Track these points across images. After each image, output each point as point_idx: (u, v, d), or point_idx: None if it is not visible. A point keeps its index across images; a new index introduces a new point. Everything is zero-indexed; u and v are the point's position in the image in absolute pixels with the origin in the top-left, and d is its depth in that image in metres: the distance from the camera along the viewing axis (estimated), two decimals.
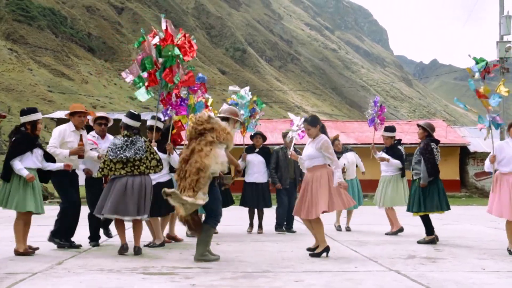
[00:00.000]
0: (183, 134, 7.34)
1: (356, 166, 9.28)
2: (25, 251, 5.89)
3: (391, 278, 4.61)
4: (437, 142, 7.38)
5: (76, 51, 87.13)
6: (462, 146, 25.71)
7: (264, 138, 8.92)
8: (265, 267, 5.13)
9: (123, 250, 5.93)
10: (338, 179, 5.84)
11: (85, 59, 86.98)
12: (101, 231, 7.11)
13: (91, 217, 6.81)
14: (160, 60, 6.57)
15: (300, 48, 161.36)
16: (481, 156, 25.23)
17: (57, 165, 6.18)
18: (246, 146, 8.87)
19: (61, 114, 26.22)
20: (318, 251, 5.90)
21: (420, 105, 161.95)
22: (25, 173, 5.79)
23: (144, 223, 6.50)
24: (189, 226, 5.60)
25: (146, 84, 6.63)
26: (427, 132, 7.39)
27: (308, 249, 6.03)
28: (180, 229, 7.39)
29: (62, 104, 58.32)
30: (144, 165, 5.94)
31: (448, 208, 7.25)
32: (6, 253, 6.00)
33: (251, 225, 8.79)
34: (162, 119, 7.30)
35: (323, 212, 5.83)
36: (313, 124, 6.06)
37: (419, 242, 7.18)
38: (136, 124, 6.15)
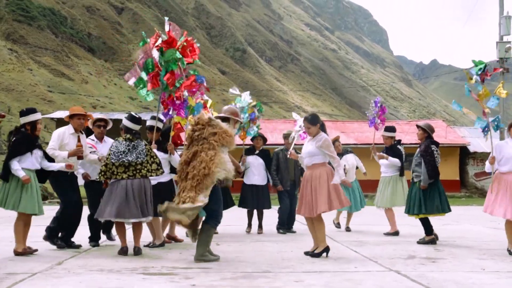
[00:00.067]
0: (183, 135, 7.34)
1: (357, 168, 9.28)
2: (24, 251, 5.89)
3: (391, 279, 4.61)
4: (437, 144, 7.38)
5: (76, 51, 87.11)
6: (462, 146, 25.72)
7: (264, 140, 8.92)
8: (265, 267, 5.13)
9: (122, 252, 5.93)
10: (342, 177, 5.89)
11: (85, 59, 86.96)
12: (102, 232, 7.11)
13: (91, 217, 6.81)
14: (162, 62, 6.58)
15: (300, 49, 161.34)
16: (481, 156, 25.24)
17: (59, 165, 6.19)
18: (245, 148, 8.86)
19: (61, 114, 26.26)
20: (318, 251, 5.91)
21: (420, 105, 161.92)
22: (21, 174, 5.80)
23: (144, 223, 6.51)
24: (186, 226, 5.57)
25: (148, 87, 6.65)
26: (427, 133, 7.39)
27: (306, 253, 6.02)
28: (180, 230, 7.38)
29: (62, 104, 58.30)
30: (146, 169, 5.98)
31: (449, 210, 7.26)
32: (6, 253, 6.00)
33: (249, 225, 8.80)
34: (163, 120, 7.30)
35: (323, 212, 5.84)
36: (313, 122, 6.07)
37: (419, 242, 7.18)
38: (136, 127, 6.18)
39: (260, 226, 8.70)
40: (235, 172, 6.49)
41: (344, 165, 8.80)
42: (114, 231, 6.79)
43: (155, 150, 6.51)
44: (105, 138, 6.98)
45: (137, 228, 6.06)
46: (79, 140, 6.35)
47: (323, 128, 6.12)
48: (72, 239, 6.59)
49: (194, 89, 7.23)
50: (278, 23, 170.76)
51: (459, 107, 7.13)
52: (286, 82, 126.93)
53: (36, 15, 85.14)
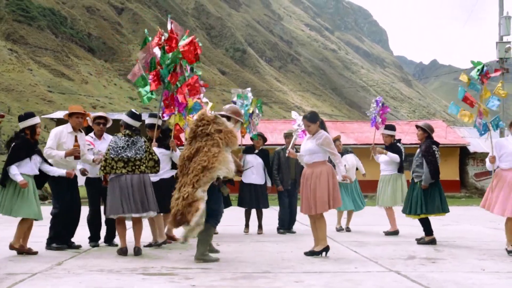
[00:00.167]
0: (182, 136, 7.35)
1: (357, 169, 9.27)
2: (20, 248, 5.91)
3: (391, 279, 4.61)
4: (437, 144, 7.38)
5: (76, 51, 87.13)
6: (462, 146, 25.72)
7: (264, 139, 8.92)
8: (265, 267, 5.13)
9: (122, 252, 5.92)
10: (343, 172, 5.89)
11: (85, 60, 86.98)
12: (104, 241, 7.10)
13: (91, 217, 6.81)
14: (164, 60, 6.60)
15: (300, 49, 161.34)
16: (481, 157, 25.23)
17: (59, 172, 6.18)
18: (243, 147, 8.86)
19: (61, 114, 26.23)
20: (318, 250, 5.91)
21: (420, 105, 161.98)
22: (19, 178, 5.80)
23: (145, 222, 6.51)
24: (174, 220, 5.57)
25: (150, 87, 6.66)
26: (427, 133, 7.38)
27: (306, 254, 6.02)
28: (179, 229, 7.37)
29: (62, 104, 58.31)
30: (144, 165, 5.98)
31: (448, 210, 7.27)
32: (6, 253, 6.00)
33: (247, 226, 8.79)
34: (164, 118, 7.29)
35: (323, 212, 5.86)
36: (313, 120, 6.05)
37: (419, 243, 7.18)
38: (136, 123, 6.18)
39: (259, 227, 8.69)
40: (236, 171, 6.51)
41: (344, 165, 8.79)
42: (116, 239, 6.78)
43: (155, 148, 6.51)
44: (104, 135, 6.99)
45: (137, 225, 6.04)
46: (76, 140, 6.35)
47: (323, 126, 6.11)
48: (72, 240, 6.59)
49: (196, 90, 7.21)
50: (278, 24, 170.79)
51: (457, 109, 7.11)
52: (286, 82, 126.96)
53: (36, 15, 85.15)
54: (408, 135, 22.54)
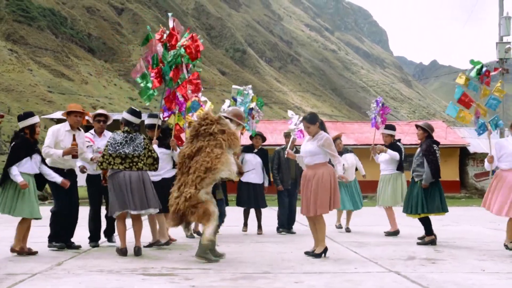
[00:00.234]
0: (183, 136, 7.34)
1: (356, 169, 9.27)
2: (21, 250, 5.90)
3: (391, 279, 4.61)
4: (437, 143, 7.38)
5: (76, 51, 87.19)
6: (462, 147, 25.71)
7: (263, 139, 8.92)
8: (265, 268, 5.13)
9: (121, 252, 5.91)
10: (339, 172, 5.88)
11: (85, 60, 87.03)
12: (104, 236, 7.10)
13: (91, 217, 6.81)
14: (166, 57, 6.60)
15: (300, 49, 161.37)
16: (480, 157, 25.21)
17: (56, 178, 6.12)
18: (242, 146, 8.86)
19: (60, 114, 26.23)
20: (318, 252, 5.90)
21: (420, 106, 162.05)
22: (19, 179, 5.80)
23: (146, 222, 6.50)
24: (174, 219, 5.56)
25: (152, 85, 6.66)
26: (427, 133, 7.37)
27: (307, 253, 6.02)
28: (178, 231, 7.37)
29: (62, 105, 58.34)
30: (142, 162, 5.94)
31: (447, 210, 7.27)
32: (6, 253, 5.99)
33: (245, 225, 8.79)
34: (163, 118, 7.27)
35: (324, 213, 5.86)
36: (313, 121, 6.03)
37: (419, 243, 7.18)
38: (136, 120, 6.16)
39: (259, 227, 8.68)
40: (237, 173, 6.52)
41: (343, 164, 8.79)
42: (115, 235, 6.78)
43: (155, 146, 6.49)
44: (105, 132, 6.98)
45: (136, 223, 6.02)
46: (74, 139, 6.34)
47: (322, 127, 6.09)
48: (72, 240, 6.59)
49: (197, 86, 7.17)
50: (278, 24, 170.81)
51: (455, 110, 7.10)
52: (286, 83, 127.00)
53: (36, 15, 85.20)
54: (408, 135, 22.54)
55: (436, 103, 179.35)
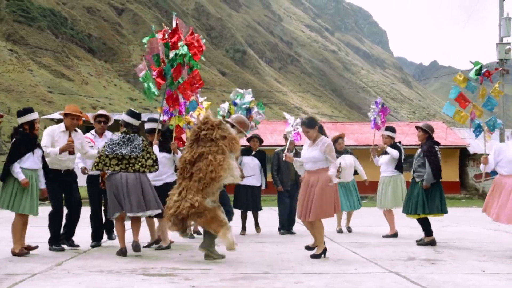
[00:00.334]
0: (184, 137, 7.33)
1: (357, 173, 9.26)
2: (21, 252, 5.89)
3: (391, 280, 4.61)
4: (438, 144, 7.38)
5: (76, 52, 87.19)
6: (462, 147, 25.72)
7: (261, 141, 8.91)
8: (265, 268, 5.13)
9: (121, 253, 5.90)
10: (331, 173, 5.82)
11: (85, 60, 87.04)
12: (105, 232, 7.11)
13: (93, 216, 6.81)
14: (169, 55, 6.61)
15: (300, 50, 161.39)
16: (480, 158, 25.22)
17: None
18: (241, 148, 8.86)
19: (59, 114, 26.26)
20: (317, 253, 5.90)
21: (420, 106, 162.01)
22: (21, 177, 5.79)
23: (144, 223, 6.49)
24: (176, 224, 5.56)
25: (155, 85, 6.67)
26: (428, 134, 7.37)
27: (307, 247, 6.02)
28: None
29: (62, 105, 58.31)
30: (139, 164, 5.90)
31: (447, 211, 7.28)
32: (5, 253, 5.99)
33: (243, 228, 8.76)
34: (162, 118, 7.25)
35: (328, 217, 5.88)
36: (311, 126, 5.99)
37: (418, 244, 7.18)
38: (136, 122, 6.15)
39: (256, 225, 8.68)
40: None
41: (340, 163, 8.78)
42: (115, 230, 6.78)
43: (157, 152, 6.47)
44: (106, 133, 6.99)
45: (135, 223, 6.01)
46: (70, 136, 6.34)
47: (321, 131, 6.06)
48: (73, 238, 6.61)
49: (198, 84, 7.14)
50: (278, 24, 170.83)
51: (452, 109, 7.10)
52: (286, 83, 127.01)
53: (36, 16, 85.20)
54: (408, 136, 22.54)
55: (436, 103, 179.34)
